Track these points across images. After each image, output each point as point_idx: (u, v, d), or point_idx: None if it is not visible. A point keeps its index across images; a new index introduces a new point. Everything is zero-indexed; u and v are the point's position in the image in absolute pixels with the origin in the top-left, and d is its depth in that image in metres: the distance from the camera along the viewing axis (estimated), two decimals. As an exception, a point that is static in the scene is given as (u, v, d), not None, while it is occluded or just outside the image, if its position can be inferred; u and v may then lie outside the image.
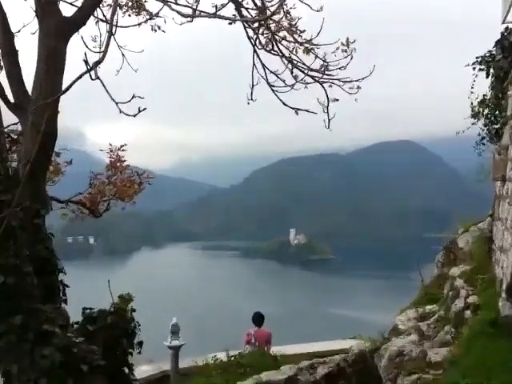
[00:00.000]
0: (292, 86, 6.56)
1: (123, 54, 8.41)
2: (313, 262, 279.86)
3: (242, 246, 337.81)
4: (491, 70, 12.48)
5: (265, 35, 6.46)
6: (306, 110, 6.98)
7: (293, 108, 6.89)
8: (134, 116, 5.59)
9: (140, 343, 8.19)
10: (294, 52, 6.49)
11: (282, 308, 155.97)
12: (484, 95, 12.86)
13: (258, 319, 14.50)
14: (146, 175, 10.23)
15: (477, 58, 12.85)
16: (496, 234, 12.08)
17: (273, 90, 6.57)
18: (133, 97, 5.34)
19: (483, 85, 12.63)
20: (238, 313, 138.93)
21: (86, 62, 5.11)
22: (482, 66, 12.70)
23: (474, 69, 12.85)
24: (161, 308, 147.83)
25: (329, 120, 7.24)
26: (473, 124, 13.05)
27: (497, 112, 12.55)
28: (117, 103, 5.47)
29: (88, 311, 7.99)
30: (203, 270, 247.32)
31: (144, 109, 5.68)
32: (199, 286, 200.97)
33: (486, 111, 12.80)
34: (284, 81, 6.62)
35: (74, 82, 5.04)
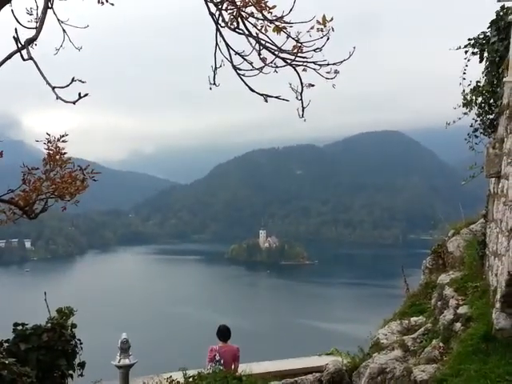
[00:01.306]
0: (260, 69, 6.55)
1: (64, 30, 8.22)
2: (285, 267, 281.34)
3: (204, 249, 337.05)
4: (485, 54, 12.31)
5: (229, 11, 6.41)
6: (276, 97, 6.98)
7: (261, 94, 6.87)
8: (74, 103, 5.54)
9: (82, 364, 8.05)
10: (263, 31, 6.47)
11: (249, 320, 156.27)
12: (477, 82, 12.65)
13: (224, 333, 14.28)
14: (91, 170, 10.02)
15: (469, 40, 12.67)
16: (490, 237, 12.01)
17: (238, 74, 6.55)
18: (72, 80, 5.24)
19: (476, 70, 12.60)
20: (199, 326, 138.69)
21: (17, 40, 5.06)
22: (475, 50, 12.58)
23: (466, 52, 12.73)
24: (108, 322, 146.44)
25: (303, 108, 7.24)
26: (464, 114, 12.94)
27: (491, 101, 12.36)
28: (53, 88, 5.28)
29: (20, 327, 7.77)
30: (159, 277, 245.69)
31: (85, 95, 5.55)
32: (154, 296, 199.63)
33: (480, 99, 12.56)
34: (251, 63, 6.60)
35: (2, 63, 5.13)
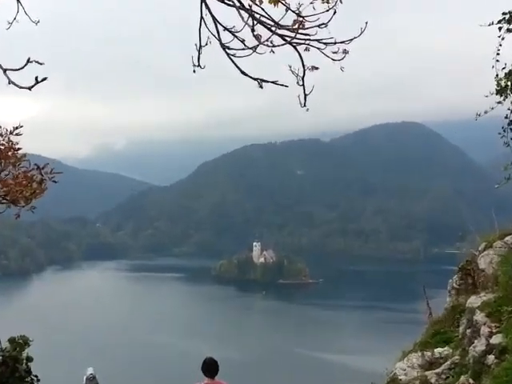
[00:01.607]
0: (254, 48, 6.53)
1: (19, 1, 8.17)
2: (284, 287, 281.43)
3: (187, 265, 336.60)
4: (525, 31, 12.52)
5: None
6: (273, 82, 6.96)
7: (255, 79, 6.85)
8: (30, 89, 5.50)
9: (40, 406, 8.02)
10: (258, 2, 6.46)
11: (241, 351, 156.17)
12: (514, 64, 12.81)
13: (211, 367, 14.25)
14: (51, 169, 9.93)
15: (504, 14, 12.73)
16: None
17: (228, 54, 6.53)
18: (28, 61, 5.16)
19: (512, 51, 12.54)
20: (181, 359, 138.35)
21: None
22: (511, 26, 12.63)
23: (499, 29, 12.74)
24: (72, 354, 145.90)
25: (305, 95, 7.23)
26: (498, 103, 12.89)
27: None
28: (5, 70, 5.25)
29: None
30: (132, 299, 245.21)
31: (44, 79, 5.54)
32: (126, 322, 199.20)
33: (517, 86, 12.74)
34: (243, 41, 6.58)
35: None
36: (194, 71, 6.81)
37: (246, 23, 6.34)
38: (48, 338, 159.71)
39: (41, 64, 5.21)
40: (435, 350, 14.40)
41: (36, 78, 5.10)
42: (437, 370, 13.29)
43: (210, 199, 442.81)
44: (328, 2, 6.22)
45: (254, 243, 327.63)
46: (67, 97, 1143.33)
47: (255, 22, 6.35)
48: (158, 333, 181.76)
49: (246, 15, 6.25)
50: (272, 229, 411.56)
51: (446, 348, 14.33)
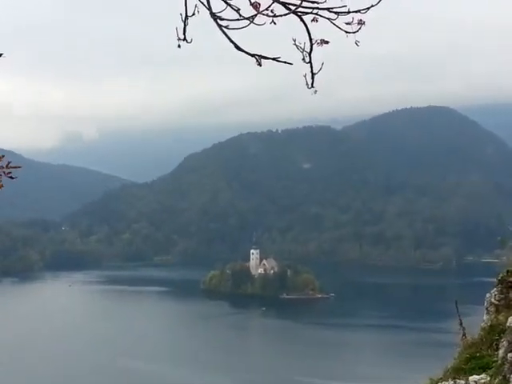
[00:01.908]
0: (251, 18, 6.54)
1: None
2: (287, 303, 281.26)
3: (171, 277, 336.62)
4: None
5: None
6: (275, 59, 6.97)
7: (252, 55, 6.86)
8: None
9: None
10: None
11: (235, 380, 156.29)
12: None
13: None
14: (7, 162, 9.90)
15: None
16: None
17: (219, 26, 6.53)
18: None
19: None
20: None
21: None
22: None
23: None
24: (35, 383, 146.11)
25: (312, 74, 7.24)
26: None
27: None
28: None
29: None
30: (105, 319, 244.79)
31: (0, 55, 5.54)
32: (98, 346, 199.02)
33: None
34: (238, 10, 6.59)
35: None
36: (179, 46, 6.80)
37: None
38: (5, 365, 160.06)
39: None
40: (470, 378, 14.43)
41: None
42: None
43: (198, 199, 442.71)
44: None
45: (252, 251, 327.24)
46: (29, 78, 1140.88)
47: (253, -13, 6.35)
48: (136, 359, 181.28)
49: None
50: (273, 234, 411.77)
51: (482, 375, 14.35)
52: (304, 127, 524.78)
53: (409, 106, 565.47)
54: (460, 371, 15.19)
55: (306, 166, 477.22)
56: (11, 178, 10.06)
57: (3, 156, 10.42)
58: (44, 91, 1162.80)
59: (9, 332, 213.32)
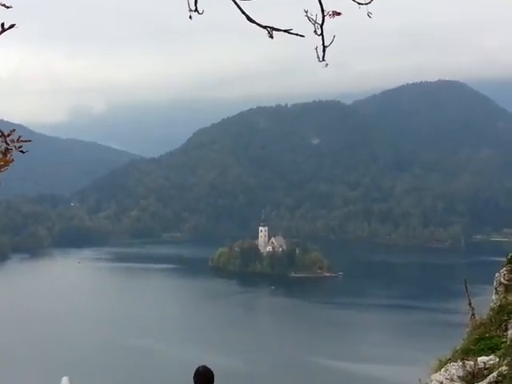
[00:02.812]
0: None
1: None
2: (296, 281, 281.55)
3: (180, 254, 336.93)
4: None
5: None
6: (286, 31, 6.94)
7: (264, 26, 6.82)
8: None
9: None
10: None
11: (243, 358, 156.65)
12: None
13: (205, 378, 14.32)
14: (18, 136, 9.84)
15: None
16: None
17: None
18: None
19: None
20: (172, 367, 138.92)
21: None
22: None
23: None
24: (42, 361, 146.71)
25: (324, 47, 7.21)
26: None
27: None
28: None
29: None
30: (114, 295, 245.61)
31: (11, 26, 5.52)
32: (107, 323, 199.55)
33: None
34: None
35: None
36: (191, 17, 6.77)
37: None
38: (12, 342, 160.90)
39: (7, 7, 5.33)
40: (479, 359, 14.44)
41: (2, 25, 5.30)
42: (481, 383, 13.30)
43: (207, 175, 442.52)
44: None
45: (260, 228, 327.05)
46: (37, 50, 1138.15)
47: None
48: (145, 337, 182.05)
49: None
50: (281, 211, 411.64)
51: (491, 356, 14.36)
52: (314, 101, 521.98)
53: (419, 81, 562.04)
54: (469, 352, 15.21)
55: (315, 141, 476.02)
56: (22, 152, 10.07)
57: (14, 130, 10.42)
58: (53, 64, 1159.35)
59: (18, 309, 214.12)
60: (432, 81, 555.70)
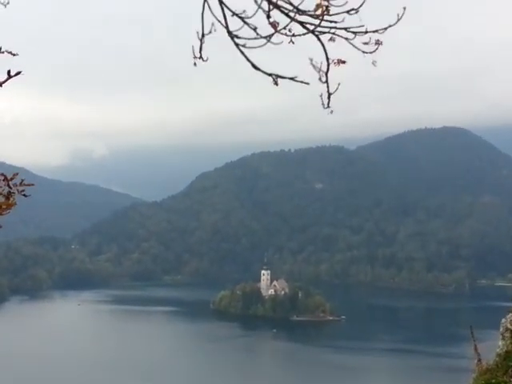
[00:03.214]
0: (269, 37, 6.58)
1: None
2: (298, 325, 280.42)
3: (181, 297, 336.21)
4: None
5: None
6: (291, 78, 7.01)
7: (269, 74, 6.90)
8: (1, 85, 5.47)
9: None
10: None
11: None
12: None
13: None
14: (21, 180, 9.89)
15: None
16: None
17: (236, 45, 6.57)
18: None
19: None
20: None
21: None
22: None
23: None
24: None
25: (329, 94, 7.28)
26: None
27: None
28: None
29: None
30: (114, 339, 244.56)
31: (18, 73, 5.53)
32: (106, 366, 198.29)
33: None
34: (255, 29, 6.63)
35: None
36: (195, 64, 6.85)
37: (260, 7, 6.38)
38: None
39: (14, 55, 5.25)
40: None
41: (8, 72, 5.17)
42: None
43: (210, 218, 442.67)
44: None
45: (263, 271, 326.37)
46: (39, 95, 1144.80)
47: (271, 7, 6.38)
48: (144, 380, 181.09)
49: (259, -2, 6.29)
50: (284, 254, 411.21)
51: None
52: (317, 147, 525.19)
53: (423, 127, 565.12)
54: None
55: (319, 185, 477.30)
56: (24, 195, 10.10)
57: (17, 174, 10.47)
58: (55, 108, 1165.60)
59: (17, 351, 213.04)
60: (436, 127, 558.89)
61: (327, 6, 6.42)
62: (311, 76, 6.60)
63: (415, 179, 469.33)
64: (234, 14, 6.53)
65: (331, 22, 6.47)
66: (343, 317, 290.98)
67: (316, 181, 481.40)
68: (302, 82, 6.57)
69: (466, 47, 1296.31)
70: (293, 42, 6.68)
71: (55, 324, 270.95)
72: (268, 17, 6.39)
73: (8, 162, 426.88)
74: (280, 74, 6.54)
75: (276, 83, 6.66)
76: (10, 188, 9.76)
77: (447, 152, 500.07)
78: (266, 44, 6.46)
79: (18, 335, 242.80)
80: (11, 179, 10.01)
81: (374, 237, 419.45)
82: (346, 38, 6.52)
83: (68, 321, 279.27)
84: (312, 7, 6.41)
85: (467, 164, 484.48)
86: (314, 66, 6.64)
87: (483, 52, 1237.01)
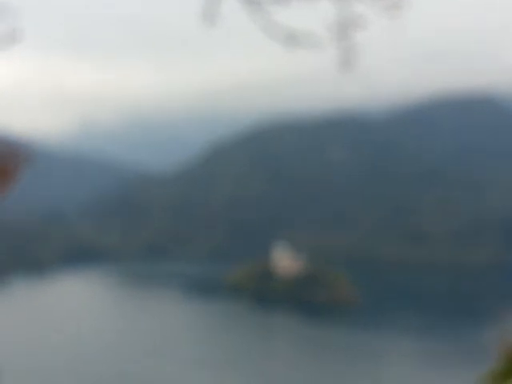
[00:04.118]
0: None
1: None
2: (316, 306, 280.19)
3: (192, 272, 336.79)
4: None
5: None
6: (308, 41, 7.10)
7: (285, 37, 6.98)
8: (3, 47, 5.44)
9: None
10: None
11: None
12: None
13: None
14: (26, 151, 9.97)
15: None
16: None
17: (252, 6, 6.67)
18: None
19: None
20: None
21: None
22: None
23: None
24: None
25: (346, 58, 7.37)
26: None
27: None
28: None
29: None
30: (123, 317, 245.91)
31: (20, 33, 5.61)
32: (114, 347, 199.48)
33: None
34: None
35: None
36: (205, 28, 6.92)
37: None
38: (10, 370, 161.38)
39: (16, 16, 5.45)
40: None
41: (11, 35, 5.34)
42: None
43: (224, 190, 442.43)
44: None
45: (279, 246, 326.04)
46: (43, 58, 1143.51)
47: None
48: (153, 361, 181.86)
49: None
50: (302, 229, 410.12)
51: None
52: (336, 115, 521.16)
53: (447, 94, 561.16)
54: (502, 377, 15.16)
55: (337, 156, 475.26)
56: (28, 167, 10.30)
57: (19, 144, 10.65)
58: (58, 73, 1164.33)
59: (24, 332, 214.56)
60: (462, 94, 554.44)
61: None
62: (328, 40, 6.63)
63: (439, 149, 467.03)
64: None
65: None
66: (364, 296, 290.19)
67: (334, 151, 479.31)
68: (317, 44, 6.62)
69: (492, 11, 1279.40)
70: (309, 5, 6.74)
71: (58, 302, 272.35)
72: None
73: (9, 130, 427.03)
74: (295, 36, 6.60)
75: (291, 46, 6.71)
76: (17, 158, 9.88)
77: (473, 121, 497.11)
78: (280, 5, 6.50)
79: (23, 316, 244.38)
80: (13, 150, 10.12)
81: (397, 210, 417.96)
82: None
83: (72, 299, 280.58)
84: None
85: (494, 133, 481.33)
86: (331, 29, 6.67)
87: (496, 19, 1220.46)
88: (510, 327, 17.43)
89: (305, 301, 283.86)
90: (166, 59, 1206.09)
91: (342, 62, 6.71)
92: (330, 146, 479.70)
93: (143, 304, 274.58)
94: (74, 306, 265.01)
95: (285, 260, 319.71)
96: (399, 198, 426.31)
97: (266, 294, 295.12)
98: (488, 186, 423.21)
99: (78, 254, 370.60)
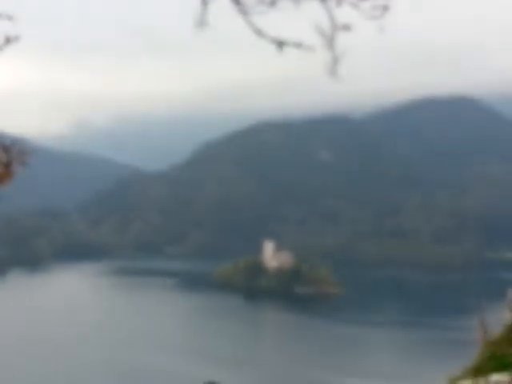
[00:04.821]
0: (273, 3, 6.53)
1: None
2: (302, 298, 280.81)
3: (183, 269, 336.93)
4: None
5: None
6: (296, 45, 6.96)
7: (274, 41, 6.84)
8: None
9: None
10: None
11: (247, 374, 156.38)
12: None
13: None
14: (20, 150, 9.85)
15: None
16: None
17: (241, 11, 6.53)
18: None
19: None
20: (176, 383, 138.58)
21: None
22: None
23: None
24: (42, 380, 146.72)
25: (335, 62, 7.24)
26: None
27: None
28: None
29: None
30: (116, 310, 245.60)
31: (16, 38, 5.52)
32: (108, 339, 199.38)
33: None
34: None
35: None
36: (196, 32, 6.80)
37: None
38: (7, 363, 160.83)
39: (11, 19, 5.34)
40: (493, 376, 14.37)
41: (7, 38, 5.35)
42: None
43: (213, 189, 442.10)
44: None
45: (266, 243, 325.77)
46: (40, 62, 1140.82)
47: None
48: (146, 352, 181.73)
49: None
50: (288, 226, 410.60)
51: (504, 374, 14.29)
52: (323, 116, 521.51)
53: (430, 96, 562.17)
54: (481, 370, 15.13)
55: (324, 156, 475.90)
56: (24, 165, 10.10)
57: (17, 143, 10.46)
58: (55, 76, 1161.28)
59: (18, 325, 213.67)
60: (443, 96, 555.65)
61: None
62: (316, 45, 6.54)
63: (422, 150, 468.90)
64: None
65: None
66: (347, 290, 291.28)
67: (321, 151, 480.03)
68: (307, 48, 6.52)
69: (480, 18, 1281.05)
70: (297, 8, 6.62)
71: (54, 295, 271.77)
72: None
73: (7, 131, 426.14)
74: (284, 40, 6.50)
75: (281, 49, 6.61)
76: (10, 158, 9.72)
77: (455, 122, 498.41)
78: (270, 9, 6.39)
79: (19, 309, 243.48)
80: (11, 148, 9.96)
81: (379, 209, 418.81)
82: (352, 3, 6.46)
83: (68, 292, 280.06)
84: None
85: (475, 134, 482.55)
86: (319, 32, 6.58)
87: (494, 23, 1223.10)
88: (489, 319, 17.41)
89: (292, 294, 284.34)
90: (161, 63, 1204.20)
91: (329, 66, 6.55)
92: (318, 147, 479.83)
93: (134, 297, 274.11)
94: (68, 298, 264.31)
95: (272, 256, 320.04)
96: (384, 197, 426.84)
97: (253, 286, 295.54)
98: (469, 184, 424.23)
99: (73, 250, 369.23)
